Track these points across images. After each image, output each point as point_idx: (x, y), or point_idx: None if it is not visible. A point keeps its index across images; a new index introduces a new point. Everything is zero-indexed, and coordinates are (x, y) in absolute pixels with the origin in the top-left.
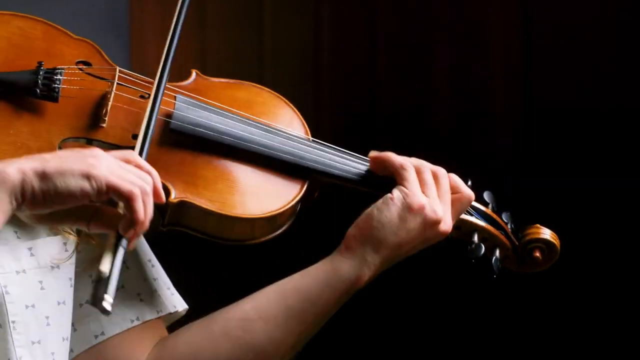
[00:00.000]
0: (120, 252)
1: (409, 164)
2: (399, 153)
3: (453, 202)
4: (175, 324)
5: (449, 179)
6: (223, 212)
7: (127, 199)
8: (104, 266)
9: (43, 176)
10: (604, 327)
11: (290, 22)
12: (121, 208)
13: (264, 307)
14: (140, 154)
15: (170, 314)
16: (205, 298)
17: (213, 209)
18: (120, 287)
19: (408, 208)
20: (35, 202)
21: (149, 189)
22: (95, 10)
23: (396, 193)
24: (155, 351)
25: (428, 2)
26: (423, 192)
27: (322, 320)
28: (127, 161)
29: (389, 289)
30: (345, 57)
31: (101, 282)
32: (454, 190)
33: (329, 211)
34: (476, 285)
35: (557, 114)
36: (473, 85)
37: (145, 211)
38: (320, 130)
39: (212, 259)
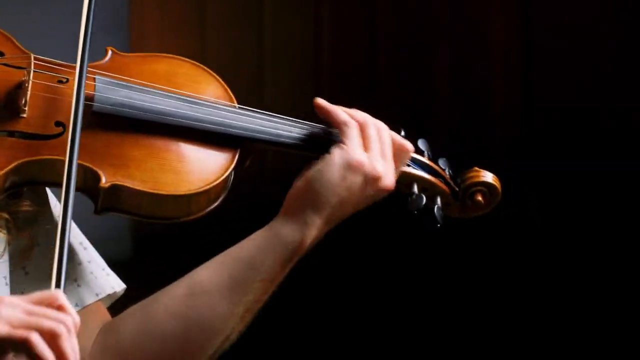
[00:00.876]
0: None
1: (351, 120)
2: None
3: (393, 156)
4: (115, 304)
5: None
6: (156, 192)
7: (24, 346)
8: None
9: None
10: (603, 326)
11: (290, 22)
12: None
13: (207, 280)
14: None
15: (109, 295)
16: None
17: (146, 189)
18: None
19: (348, 166)
20: None
21: (63, 330)
22: (95, 10)
23: (336, 151)
24: (101, 336)
25: (428, 2)
26: (365, 148)
27: (268, 287)
28: (48, 303)
29: (388, 287)
30: (345, 57)
31: None
32: (392, 144)
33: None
34: (474, 282)
35: (556, 113)
36: (473, 85)
37: (59, 353)
38: None
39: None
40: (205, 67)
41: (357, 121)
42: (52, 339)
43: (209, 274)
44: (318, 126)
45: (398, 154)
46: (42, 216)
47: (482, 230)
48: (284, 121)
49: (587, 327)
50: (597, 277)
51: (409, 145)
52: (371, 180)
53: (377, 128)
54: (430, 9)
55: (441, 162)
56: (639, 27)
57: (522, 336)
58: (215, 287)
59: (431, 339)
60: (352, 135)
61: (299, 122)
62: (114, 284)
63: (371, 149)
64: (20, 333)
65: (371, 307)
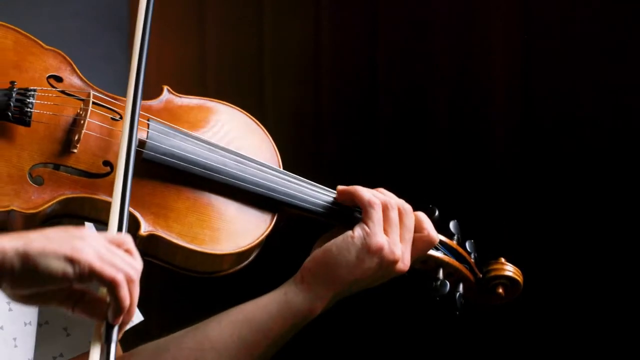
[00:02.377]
0: (112, 342)
1: (377, 201)
2: (400, 153)
3: (415, 240)
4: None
5: (416, 217)
6: (193, 248)
7: (111, 285)
8: (94, 357)
9: (25, 256)
10: (603, 327)
11: (290, 22)
12: (106, 294)
13: (217, 338)
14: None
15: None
16: (180, 309)
17: (183, 244)
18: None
19: (367, 249)
20: (14, 282)
21: (136, 277)
22: (95, 10)
23: (357, 232)
24: None
25: (428, 2)
26: (385, 231)
27: (273, 350)
28: (119, 245)
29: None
30: (345, 57)
31: None
32: (418, 228)
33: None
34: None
35: (556, 113)
36: (473, 85)
37: (130, 298)
38: (320, 130)
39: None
40: (259, 123)
41: (381, 202)
42: (129, 283)
43: (220, 332)
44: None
45: (421, 240)
46: None
47: (480, 228)
48: (319, 189)
49: (587, 327)
50: (597, 275)
51: (434, 236)
52: (387, 264)
53: (400, 210)
54: (431, 9)
55: (468, 245)
56: (639, 27)
57: (522, 336)
58: (224, 345)
59: (431, 339)
60: (376, 218)
61: (331, 191)
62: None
63: (391, 232)
64: (110, 271)
65: (370, 310)
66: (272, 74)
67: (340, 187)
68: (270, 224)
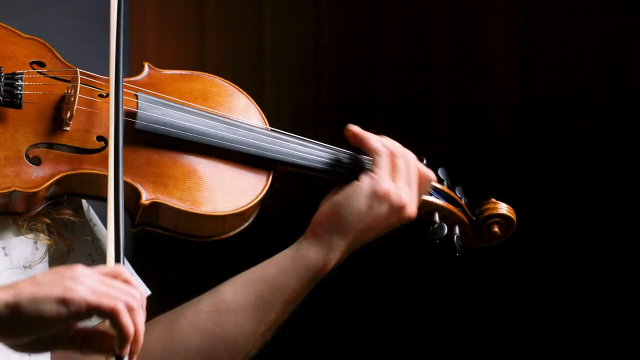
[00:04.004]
0: None
1: (384, 149)
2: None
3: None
4: None
5: None
6: (194, 211)
7: (111, 315)
8: None
9: (15, 307)
10: (603, 327)
11: (290, 22)
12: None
13: (233, 299)
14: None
15: None
16: (183, 287)
17: (184, 208)
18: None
19: (376, 195)
20: (10, 333)
21: (136, 304)
22: (95, 10)
23: (365, 179)
24: None
25: (428, 2)
26: (392, 178)
27: (291, 307)
28: (114, 276)
29: (387, 289)
30: (345, 57)
31: None
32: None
33: (299, 197)
34: (473, 284)
35: (556, 112)
36: (473, 83)
37: (135, 326)
38: (320, 129)
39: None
40: (239, 88)
41: (388, 150)
42: (129, 311)
43: (235, 293)
44: (346, 152)
45: (421, 183)
46: (78, 226)
47: None
48: (315, 145)
49: (587, 327)
50: (596, 273)
51: (431, 175)
52: (396, 209)
53: (406, 158)
54: (431, 8)
55: (458, 190)
56: (639, 27)
57: (521, 336)
58: (240, 306)
59: (430, 339)
60: (383, 165)
61: (328, 147)
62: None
63: (398, 179)
64: (108, 302)
65: (369, 306)
66: (272, 74)
67: (351, 128)
68: (267, 183)
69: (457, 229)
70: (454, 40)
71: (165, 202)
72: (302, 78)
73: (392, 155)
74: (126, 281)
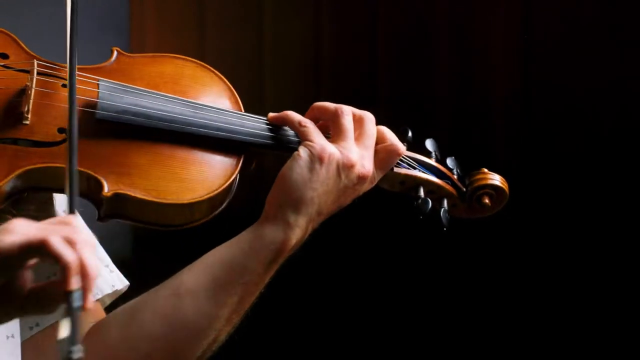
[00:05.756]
0: (75, 310)
1: (304, 119)
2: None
3: (379, 150)
4: (117, 301)
5: (378, 129)
6: (159, 200)
7: (42, 246)
8: (62, 333)
9: None
10: (603, 327)
11: (290, 22)
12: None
13: (191, 281)
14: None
15: (108, 294)
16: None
17: (148, 198)
18: (52, 275)
19: (314, 158)
20: None
21: (78, 238)
22: (95, 10)
23: (301, 148)
24: (87, 337)
25: (428, 2)
26: (338, 138)
27: (253, 289)
28: (60, 222)
29: (386, 288)
30: (345, 56)
31: (64, 343)
32: (381, 139)
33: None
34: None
35: (556, 111)
36: (473, 80)
37: (80, 258)
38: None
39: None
40: (212, 68)
41: (326, 112)
42: (69, 243)
43: (194, 275)
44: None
45: (385, 150)
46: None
47: (481, 227)
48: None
49: (587, 327)
50: (596, 272)
51: (398, 144)
52: (344, 168)
53: (358, 117)
54: (431, 9)
55: (449, 161)
56: (639, 27)
57: (521, 336)
58: (199, 287)
59: (430, 339)
60: (310, 130)
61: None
62: (116, 282)
63: (345, 138)
64: (37, 234)
65: (368, 306)
66: (272, 74)
67: (269, 115)
68: (237, 167)
69: (445, 203)
70: (454, 40)
71: (129, 193)
72: (302, 78)
73: (336, 115)
74: (68, 224)
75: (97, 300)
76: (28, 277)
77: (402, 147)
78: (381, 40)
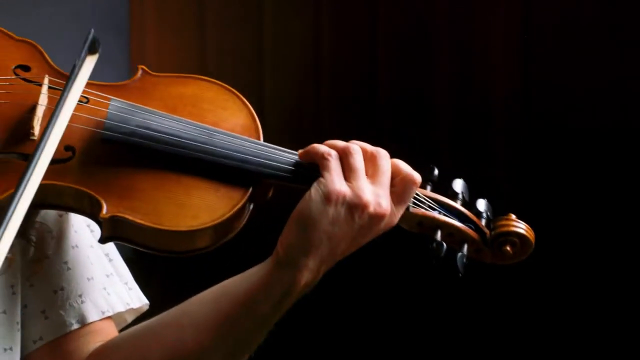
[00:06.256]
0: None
1: (330, 151)
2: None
3: (395, 184)
4: (141, 317)
5: (392, 163)
6: (156, 226)
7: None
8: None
9: None
10: (603, 327)
11: (290, 22)
12: None
13: (196, 313)
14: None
15: (123, 311)
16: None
17: (146, 223)
18: (59, 290)
19: (326, 199)
20: None
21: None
22: (95, 10)
23: (313, 187)
24: (93, 356)
25: (428, 2)
26: (347, 177)
27: (259, 328)
28: None
29: (387, 290)
30: (345, 56)
31: None
32: (395, 173)
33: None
34: (473, 284)
35: (556, 111)
36: (473, 80)
37: None
38: (320, 129)
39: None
40: (237, 92)
41: (338, 151)
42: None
43: (199, 307)
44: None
45: (401, 183)
46: (48, 233)
47: None
48: (291, 156)
49: (587, 327)
50: (597, 273)
51: (412, 174)
52: (356, 209)
53: (370, 154)
54: (430, 9)
55: (481, 204)
56: (639, 27)
57: (521, 336)
58: (203, 320)
59: (430, 339)
60: (331, 167)
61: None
62: (133, 300)
63: (355, 178)
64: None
65: (368, 307)
66: (272, 74)
67: (300, 151)
68: (244, 197)
69: (465, 247)
70: (454, 40)
71: (126, 217)
72: (302, 78)
73: (344, 155)
74: None
75: (110, 317)
76: None
77: (417, 177)
78: (381, 40)
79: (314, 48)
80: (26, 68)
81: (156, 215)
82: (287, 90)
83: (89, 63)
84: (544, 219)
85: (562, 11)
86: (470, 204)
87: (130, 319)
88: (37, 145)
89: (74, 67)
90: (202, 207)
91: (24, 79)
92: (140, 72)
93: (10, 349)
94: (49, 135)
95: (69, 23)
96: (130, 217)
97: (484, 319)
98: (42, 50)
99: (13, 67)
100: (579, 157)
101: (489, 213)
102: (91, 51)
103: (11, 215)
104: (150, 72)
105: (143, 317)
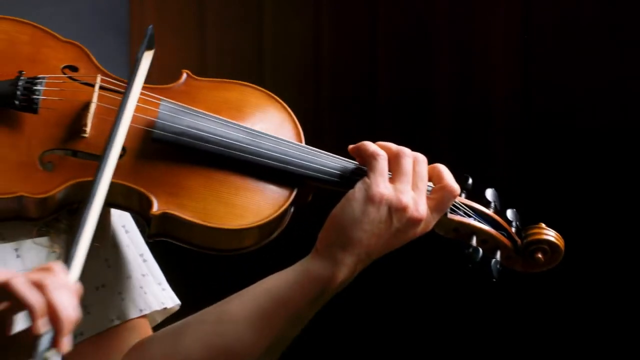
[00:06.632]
0: (41, 353)
1: (380, 152)
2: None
3: (434, 191)
4: (170, 318)
5: (435, 168)
6: (206, 224)
7: (3, 289)
8: None
9: None
10: (604, 327)
11: (290, 22)
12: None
13: (236, 309)
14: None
15: (158, 311)
16: (202, 296)
17: (196, 221)
18: (100, 287)
19: (369, 200)
20: None
21: (51, 283)
22: (95, 10)
23: (358, 186)
24: (130, 353)
25: (428, 2)
26: (395, 180)
27: (296, 323)
28: (38, 270)
29: (388, 288)
30: (345, 56)
31: None
32: (437, 179)
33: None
34: (477, 285)
35: (556, 111)
36: (473, 80)
37: (50, 301)
38: (321, 129)
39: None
40: (278, 98)
41: (388, 152)
42: (36, 286)
43: (238, 304)
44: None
45: (440, 191)
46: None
47: None
48: (344, 162)
49: (587, 327)
50: (597, 273)
51: (453, 185)
52: (396, 212)
53: (413, 160)
54: (431, 9)
55: (510, 213)
56: (638, 27)
57: (521, 336)
58: (242, 317)
59: (430, 339)
60: (378, 168)
61: (354, 163)
62: (167, 300)
63: (399, 181)
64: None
65: (371, 307)
66: (272, 74)
67: (350, 146)
68: (289, 198)
69: (498, 254)
70: (454, 40)
71: (177, 214)
72: (302, 78)
73: (394, 157)
74: (45, 269)
75: (145, 316)
76: (9, 323)
77: (457, 189)
78: (381, 40)
79: (314, 48)
80: (74, 68)
81: (205, 213)
82: (287, 90)
83: (147, 59)
84: (543, 219)
85: (562, 11)
86: (501, 212)
87: (160, 319)
88: (107, 143)
89: (136, 61)
90: (249, 207)
91: (73, 78)
92: (184, 75)
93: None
94: (117, 132)
95: (69, 23)
96: (180, 214)
97: (485, 320)
98: (87, 51)
99: (62, 67)
100: (579, 157)
101: (517, 222)
102: (149, 47)
103: (85, 222)
104: (194, 76)
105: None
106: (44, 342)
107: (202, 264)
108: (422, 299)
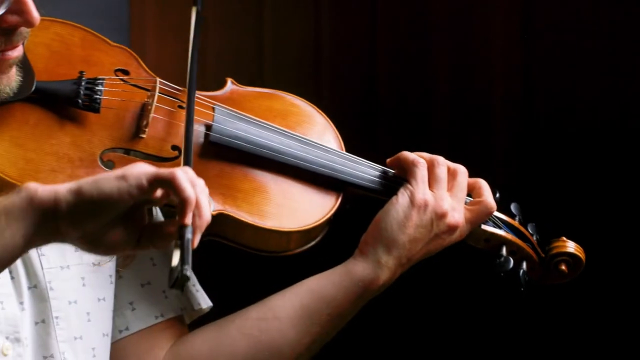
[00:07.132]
0: (187, 241)
1: (420, 160)
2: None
3: (472, 204)
4: (198, 320)
5: (477, 182)
6: (260, 225)
7: (170, 181)
8: (174, 261)
9: (77, 191)
10: (605, 327)
11: (290, 22)
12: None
13: (280, 307)
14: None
15: (194, 311)
16: (230, 298)
17: (251, 222)
18: (146, 284)
19: (412, 205)
20: (74, 219)
21: (199, 182)
22: (95, 10)
23: (401, 191)
24: (173, 348)
25: (428, 2)
26: (431, 186)
27: (337, 322)
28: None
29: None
30: (345, 56)
31: (175, 269)
32: (477, 193)
33: (359, 217)
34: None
35: (557, 111)
36: (473, 83)
37: (197, 198)
38: None
39: (239, 261)
40: (318, 109)
41: (426, 160)
42: (192, 184)
43: (282, 302)
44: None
45: (479, 205)
46: None
47: None
48: (383, 170)
49: (588, 328)
50: (598, 273)
51: (492, 203)
52: (437, 217)
53: (452, 169)
54: (430, 8)
55: (530, 227)
56: (638, 26)
57: (521, 337)
58: (286, 314)
59: (430, 340)
60: (419, 175)
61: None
62: (201, 301)
63: (437, 188)
64: (164, 171)
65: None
66: (272, 74)
67: (389, 159)
68: (336, 204)
69: (524, 265)
70: (454, 40)
71: (232, 214)
72: (302, 78)
73: (432, 165)
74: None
75: (171, 319)
76: (145, 213)
77: (494, 206)
78: (381, 40)
79: (314, 48)
80: (125, 71)
81: (259, 214)
82: (287, 90)
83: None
84: (543, 219)
85: (562, 12)
86: (524, 225)
87: (188, 320)
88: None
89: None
90: (299, 210)
91: (129, 82)
92: (229, 83)
93: (108, 334)
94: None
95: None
96: (236, 215)
97: (488, 320)
98: (136, 56)
99: (114, 69)
100: (579, 157)
101: (537, 236)
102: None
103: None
104: (238, 84)
105: (200, 320)
106: (189, 231)
107: (228, 269)
108: (425, 302)
